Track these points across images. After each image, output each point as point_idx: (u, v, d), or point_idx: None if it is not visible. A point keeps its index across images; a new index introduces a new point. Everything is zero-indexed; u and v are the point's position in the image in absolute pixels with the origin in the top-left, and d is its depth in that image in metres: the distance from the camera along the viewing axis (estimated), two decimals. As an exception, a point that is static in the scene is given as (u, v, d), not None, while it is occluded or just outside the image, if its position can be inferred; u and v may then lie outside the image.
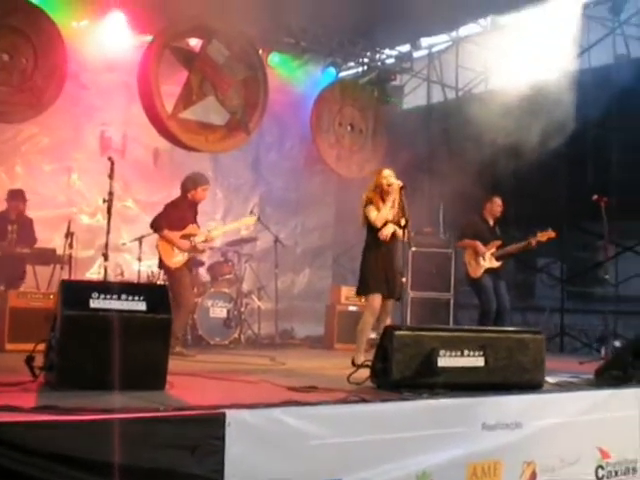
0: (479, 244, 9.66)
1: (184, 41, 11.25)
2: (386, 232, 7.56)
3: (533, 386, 5.88)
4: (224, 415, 4.23)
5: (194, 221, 8.99)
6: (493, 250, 9.68)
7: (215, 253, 11.00)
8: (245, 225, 9.82)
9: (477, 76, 13.77)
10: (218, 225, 11.03)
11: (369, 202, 7.69)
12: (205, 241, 8.97)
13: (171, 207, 8.91)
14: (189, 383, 5.83)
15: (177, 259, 8.71)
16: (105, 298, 5.13)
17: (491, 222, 9.87)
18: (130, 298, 5.19)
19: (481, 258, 9.62)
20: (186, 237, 8.80)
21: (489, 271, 9.64)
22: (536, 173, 11.60)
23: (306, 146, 13.03)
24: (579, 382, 6.67)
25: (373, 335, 7.86)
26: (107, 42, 10.72)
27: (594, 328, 12.50)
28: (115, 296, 5.16)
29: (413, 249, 10.48)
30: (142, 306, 5.20)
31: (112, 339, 4.94)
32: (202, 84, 11.25)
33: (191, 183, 8.95)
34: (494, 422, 5.36)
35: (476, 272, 9.65)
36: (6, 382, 5.08)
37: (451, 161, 12.59)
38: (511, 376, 5.78)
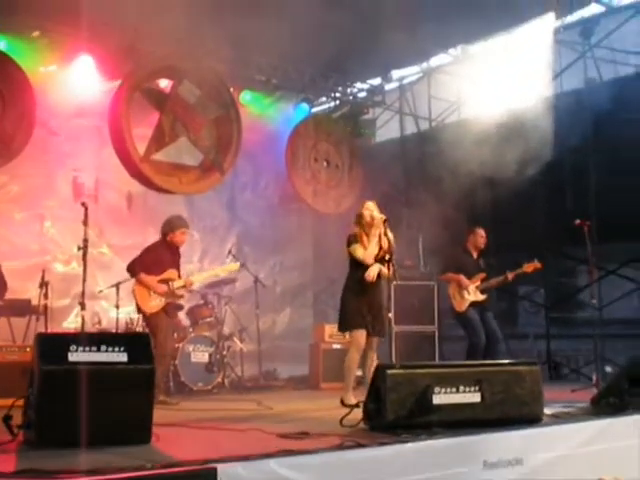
0: (462, 278, 9.56)
1: (154, 82, 11.12)
2: (372, 273, 7.44)
3: (532, 419, 5.72)
4: (215, 470, 4.01)
5: (174, 265, 8.78)
6: (477, 283, 9.57)
7: (194, 296, 10.77)
8: (228, 272, 9.53)
9: (450, 106, 13.69)
10: (199, 270, 10.93)
11: (354, 240, 7.56)
12: (184, 287, 8.76)
13: (148, 251, 8.71)
14: (176, 435, 5.61)
15: (154, 303, 8.50)
16: (84, 350, 4.94)
17: (474, 254, 9.79)
18: (110, 349, 5.00)
19: (465, 292, 9.53)
20: (164, 281, 8.59)
21: (474, 304, 9.55)
22: (514, 200, 11.54)
23: (281, 184, 12.95)
24: (576, 412, 6.52)
25: (359, 372, 7.78)
26: (76, 87, 10.55)
27: (580, 353, 12.35)
28: (94, 347, 4.97)
29: (394, 283, 10.26)
30: (123, 357, 5.01)
31: (93, 393, 4.75)
32: (174, 125, 11.13)
33: (168, 226, 8.78)
34: (495, 459, 5.19)
35: (461, 306, 9.55)
36: (-17, 443, 4.82)
37: (428, 192, 12.50)
38: (509, 410, 5.64)
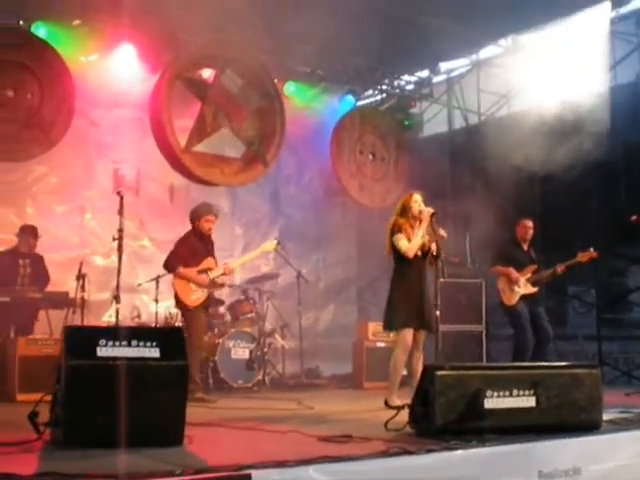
0: (512, 270, 9.33)
1: (196, 72, 10.95)
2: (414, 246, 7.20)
3: (590, 427, 5.37)
4: (250, 477, 3.70)
5: (209, 254, 8.54)
6: (528, 275, 9.31)
7: (235, 291, 10.72)
8: (265, 252, 9.37)
9: (499, 99, 13.37)
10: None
11: (398, 230, 7.27)
12: (224, 274, 8.51)
13: (181, 243, 8.48)
14: (210, 436, 5.34)
15: (196, 296, 8.28)
16: (114, 345, 4.70)
17: (524, 246, 9.54)
18: (142, 344, 4.74)
19: (515, 285, 9.28)
20: (203, 272, 8.36)
21: (525, 298, 9.28)
22: (566, 196, 11.36)
23: (326, 177, 12.81)
24: (635, 418, 6.14)
25: (404, 372, 7.53)
26: (117, 76, 10.40)
27: (631, 355, 11.99)
28: (125, 342, 4.72)
29: (441, 280, 9.96)
30: (155, 352, 4.75)
31: (122, 391, 4.49)
32: (216, 115, 10.93)
33: (195, 214, 8.52)
34: (551, 469, 4.83)
35: (510, 300, 9.31)
36: (8, 441, 4.57)
37: (476, 187, 12.25)
38: (566, 416, 5.31)
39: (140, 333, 4.85)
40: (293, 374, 10.93)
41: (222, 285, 8.70)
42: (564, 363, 5.95)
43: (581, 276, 11.11)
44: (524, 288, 9.27)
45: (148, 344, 4.72)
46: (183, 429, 4.74)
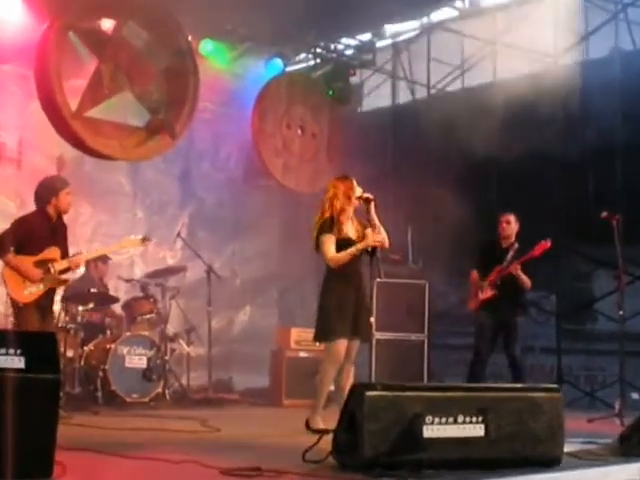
0: (474, 273, 9.51)
1: (93, 22, 10.60)
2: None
3: (549, 461, 5.31)
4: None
5: (55, 242, 8.05)
6: (491, 278, 9.32)
7: (133, 287, 10.61)
8: (126, 248, 9.35)
9: (452, 71, 13.35)
10: (141, 258, 11.08)
11: (323, 228, 7.25)
12: (69, 268, 8.09)
13: (19, 224, 7.97)
14: (88, 464, 5.18)
15: (29, 291, 7.78)
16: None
17: (505, 244, 9.49)
18: (2, 352, 4.45)
19: (479, 290, 9.42)
20: (42, 263, 7.88)
21: (486, 304, 9.32)
22: (524, 186, 11.42)
23: (246, 155, 12.74)
24: (601, 451, 6.14)
25: (331, 388, 7.53)
26: (-2, 27, 10.18)
27: (594, 373, 12.15)
28: (-22, 349, 4.43)
29: (378, 280, 9.87)
30: (19, 362, 4.50)
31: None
32: (115, 75, 10.56)
33: (48, 190, 7.99)
34: (501, 512, 4.85)
35: (470, 305, 9.53)
36: None
37: (421, 173, 12.43)
38: (520, 449, 5.26)
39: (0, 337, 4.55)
40: (199, 387, 10.86)
41: (65, 281, 8.23)
42: (519, 385, 5.96)
43: (540, 280, 11.09)
44: (484, 292, 9.34)
45: (11, 352, 4.47)
46: (53, 457, 4.52)
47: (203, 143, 12.57)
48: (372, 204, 7.16)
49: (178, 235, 11.14)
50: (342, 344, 7.13)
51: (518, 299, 9.33)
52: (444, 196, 11.10)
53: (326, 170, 12.64)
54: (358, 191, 7.25)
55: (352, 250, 7.11)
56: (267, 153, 12.34)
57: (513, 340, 9.14)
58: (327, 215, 7.25)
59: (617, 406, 8.75)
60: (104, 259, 10.22)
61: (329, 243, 7.16)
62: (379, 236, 7.11)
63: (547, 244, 9.04)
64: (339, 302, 7.20)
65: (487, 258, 9.52)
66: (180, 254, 11.81)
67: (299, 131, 12.73)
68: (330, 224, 7.20)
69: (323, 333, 7.25)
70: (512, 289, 9.18)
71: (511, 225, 9.44)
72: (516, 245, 9.33)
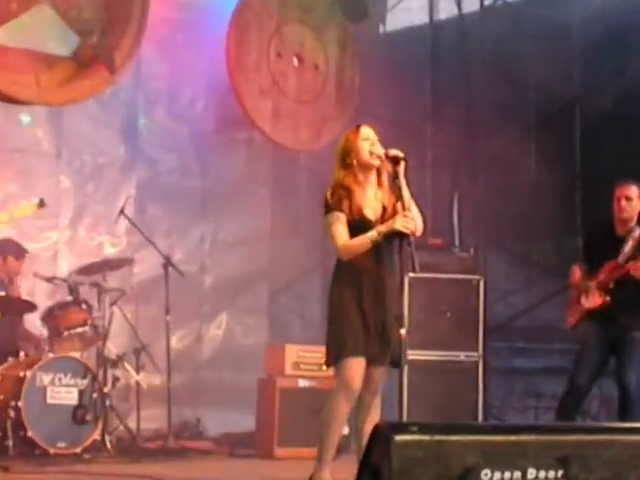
0: (576, 272, 9.43)
1: None
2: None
3: None
4: None
5: None
6: (601, 277, 9.20)
7: (57, 289, 10.75)
8: (19, 216, 9.44)
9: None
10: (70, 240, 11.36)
11: (330, 203, 7.20)
12: None
13: None
14: None
15: None
16: None
17: (619, 231, 9.38)
18: None
19: (583, 295, 9.30)
20: None
21: (592, 315, 9.24)
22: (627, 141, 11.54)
23: (219, 97, 12.88)
24: None
25: (346, 431, 7.76)
26: None
27: None
28: None
29: (411, 275, 9.86)
30: None
31: None
32: (27, -18, 10.79)
33: None
34: None
35: (569, 319, 9.47)
36: None
37: (472, 121, 12.67)
38: None
39: None
40: (155, 432, 11.00)
41: None
42: (621, 425, 5.74)
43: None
44: (591, 299, 9.25)
45: None
46: None
47: (156, 81, 12.69)
48: (401, 167, 7.03)
49: (121, 213, 11.09)
50: (358, 366, 7.07)
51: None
52: (508, 154, 11.34)
53: (334, 117, 12.78)
54: (380, 148, 7.14)
55: (372, 235, 7.07)
56: (249, 95, 12.35)
57: (629, 364, 9.10)
58: (337, 183, 7.23)
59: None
60: (18, 251, 10.31)
61: (338, 224, 7.12)
62: (408, 219, 7.02)
63: None
64: (354, 307, 7.18)
65: (594, 250, 9.45)
66: (125, 241, 11.90)
67: (295, 61, 12.76)
68: (340, 197, 7.17)
69: (332, 352, 7.24)
70: (631, 294, 9.11)
71: (633, 202, 9.25)
72: (638, 231, 9.22)
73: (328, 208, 7.14)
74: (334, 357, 7.18)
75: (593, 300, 9.14)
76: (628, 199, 9.13)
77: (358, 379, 7.03)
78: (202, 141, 13.02)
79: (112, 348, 10.72)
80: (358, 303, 7.16)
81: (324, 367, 7.66)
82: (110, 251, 11.80)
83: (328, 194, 7.17)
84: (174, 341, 11.05)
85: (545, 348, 10.77)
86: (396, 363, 7.25)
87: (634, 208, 9.13)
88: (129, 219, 11.15)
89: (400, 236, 6.95)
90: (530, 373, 11.01)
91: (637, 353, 9.04)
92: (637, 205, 9.14)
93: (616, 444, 5.10)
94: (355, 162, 7.15)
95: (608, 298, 9.07)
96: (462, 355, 11.28)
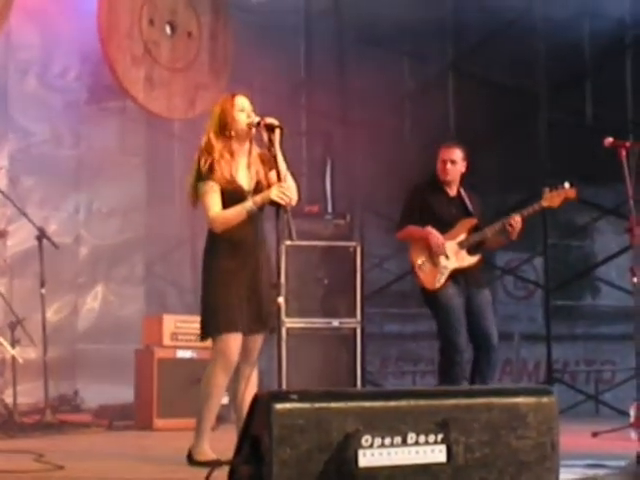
0: (432, 231, 9.31)
1: None
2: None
3: None
4: None
5: None
6: (461, 237, 9.34)
7: None
8: None
9: None
10: None
11: (201, 171, 7.17)
12: None
13: None
14: None
15: None
16: None
17: (451, 189, 9.53)
18: None
19: (440, 256, 9.30)
20: None
21: (457, 275, 9.31)
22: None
23: (91, 67, 12.79)
24: (611, 478, 6.28)
25: (225, 400, 7.67)
26: None
27: (599, 368, 12.53)
28: None
29: (288, 243, 10.01)
30: None
31: None
32: None
33: None
34: None
35: (432, 280, 9.31)
36: None
37: (346, 86, 12.67)
38: (498, 478, 5.31)
39: None
40: (32, 406, 10.85)
41: None
42: (495, 387, 5.92)
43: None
44: (455, 259, 9.31)
45: None
46: None
47: (27, 51, 12.52)
48: (277, 135, 7.02)
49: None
50: (235, 339, 7.13)
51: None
52: (382, 120, 11.57)
53: (209, 85, 12.76)
54: (255, 117, 7.15)
55: (248, 205, 7.10)
56: (121, 62, 12.20)
57: (490, 317, 9.28)
58: (208, 152, 7.21)
59: (632, 413, 8.89)
60: None
61: (210, 194, 7.12)
62: (284, 189, 7.07)
63: (572, 192, 9.09)
64: (228, 278, 7.21)
65: (437, 209, 9.52)
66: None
67: (168, 28, 12.69)
68: (211, 165, 7.16)
69: (207, 326, 7.27)
70: (478, 251, 9.37)
71: (457, 165, 9.45)
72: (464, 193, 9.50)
73: (200, 176, 7.15)
74: (209, 331, 7.22)
75: (460, 260, 9.28)
76: (453, 162, 9.35)
77: (235, 350, 7.09)
78: (75, 111, 12.96)
79: (-16, 323, 10.65)
80: (234, 274, 7.18)
81: (202, 340, 7.78)
82: None
83: (202, 162, 7.11)
84: (50, 314, 10.92)
85: (417, 313, 10.87)
86: (272, 331, 7.34)
87: (458, 171, 9.38)
88: (1, 191, 10.91)
89: (276, 205, 6.96)
90: (407, 337, 11.14)
91: (491, 308, 9.32)
92: (460, 167, 9.38)
93: (494, 407, 5.34)
94: (233, 134, 7.15)
95: (480, 256, 9.31)
96: (340, 322, 11.35)
